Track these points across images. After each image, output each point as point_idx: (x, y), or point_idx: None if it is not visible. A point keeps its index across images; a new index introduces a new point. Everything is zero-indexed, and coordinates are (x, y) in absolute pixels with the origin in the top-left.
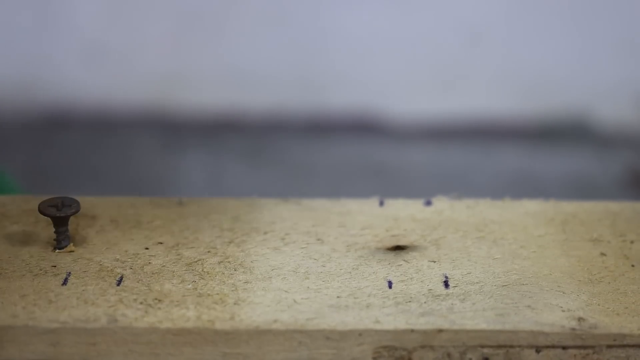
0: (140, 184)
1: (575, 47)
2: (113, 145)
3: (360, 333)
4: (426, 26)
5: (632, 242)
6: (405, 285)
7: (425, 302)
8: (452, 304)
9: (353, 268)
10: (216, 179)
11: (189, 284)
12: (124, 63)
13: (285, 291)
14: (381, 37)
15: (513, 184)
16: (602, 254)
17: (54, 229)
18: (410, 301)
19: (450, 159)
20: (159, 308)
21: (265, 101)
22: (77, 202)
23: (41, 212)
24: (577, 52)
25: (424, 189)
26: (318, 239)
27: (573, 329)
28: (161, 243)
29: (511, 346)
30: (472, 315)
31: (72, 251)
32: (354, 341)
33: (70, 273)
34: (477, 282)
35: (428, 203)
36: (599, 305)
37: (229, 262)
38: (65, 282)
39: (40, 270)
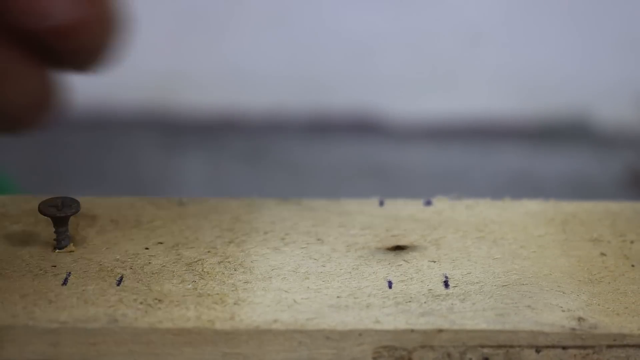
0: (140, 184)
1: (575, 47)
2: (113, 145)
3: (360, 333)
4: (426, 26)
5: (632, 242)
6: (405, 285)
7: (425, 302)
8: (452, 304)
9: (353, 268)
10: (216, 179)
11: (189, 284)
12: (124, 63)
13: (285, 291)
14: (381, 37)
15: (513, 184)
16: (602, 254)
17: (54, 229)
18: (410, 301)
19: (450, 159)
20: (159, 308)
21: (265, 101)
22: (77, 202)
23: (41, 212)
24: (577, 52)
25: (424, 189)
26: (318, 239)
27: (573, 329)
28: (161, 243)
29: (511, 346)
30: (472, 315)
31: (72, 251)
32: (354, 341)
33: (70, 273)
34: (477, 282)
35: (428, 203)
36: (599, 305)
37: (229, 262)
38: (65, 282)
39: (40, 270)
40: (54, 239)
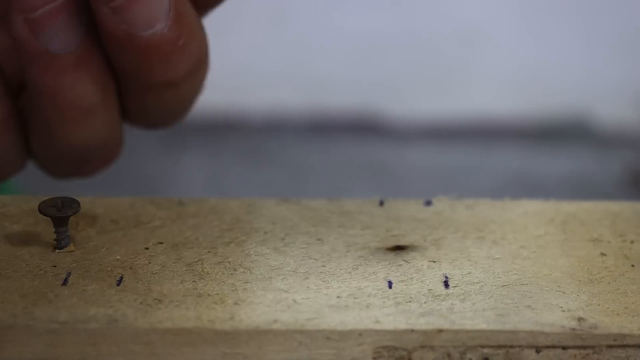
0: (140, 184)
1: (576, 47)
2: None
3: (360, 333)
4: (427, 26)
5: (632, 242)
6: (405, 285)
7: (425, 302)
8: (452, 304)
9: (353, 268)
10: (216, 179)
11: (189, 284)
12: None
13: (285, 291)
14: (381, 37)
15: (513, 184)
16: (602, 254)
17: (54, 229)
18: (410, 301)
19: (450, 159)
20: (159, 308)
21: (265, 101)
22: (77, 202)
23: (41, 212)
24: (577, 52)
25: (424, 189)
26: (318, 239)
27: (573, 329)
28: (161, 243)
29: (511, 346)
30: (472, 315)
31: (72, 251)
32: (354, 341)
33: (70, 273)
34: (477, 282)
35: (428, 203)
36: (599, 305)
37: (228, 262)
38: (65, 282)
39: (40, 270)
40: (54, 239)
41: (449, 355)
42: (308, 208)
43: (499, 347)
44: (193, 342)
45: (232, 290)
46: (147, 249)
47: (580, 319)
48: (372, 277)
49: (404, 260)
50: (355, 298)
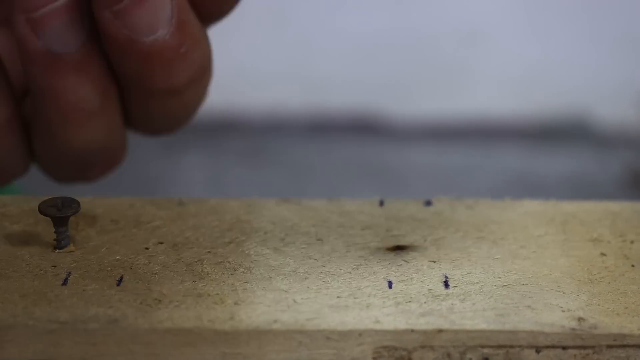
0: (140, 184)
1: (576, 47)
2: None
3: (360, 333)
4: (426, 26)
5: (632, 242)
6: (405, 285)
7: (425, 302)
8: (452, 304)
9: (353, 268)
10: (216, 179)
11: (189, 284)
12: None
13: (285, 291)
14: (381, 37)
15: (513, 184)
16: (602, 254)
17: (54, 229)
18: (410, 301)
19: (450, 159)
20: (159, 308)
21: (265, 101)
22: (77, 202)
23: (41, 212)
24: (577, 52)
25: (424, 189)
26: (318, 239)
27: (573, 329)
28: (161, 243)
29: (511, 346)
30: (472, 315)
31: (72, 251)
32: (354, 341)
33: (70, 273)
34: (477, 282)
35: (428, 203)
36: (599, 305)
37: (228, 262)
38: (65, 282)
39: (40, 270)
40: (54, 239)
41: (449, 355)
42: (308, 208)
43: (499, 347)
44: (193, 342)
45: (232, 290)
46: (147, 249)
47: (580, 319)
48: (372, 277)
49: (404, 260)
50: (355, 298)
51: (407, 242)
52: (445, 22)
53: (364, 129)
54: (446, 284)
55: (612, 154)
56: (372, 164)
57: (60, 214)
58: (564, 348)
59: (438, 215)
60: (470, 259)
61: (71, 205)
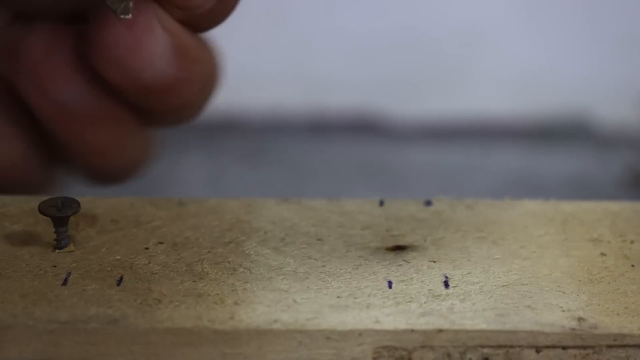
0: (140, 184)
1: (576, 47)
2: None
3: (360, 333)
4: (427, 26)
5: (632, 242)
6: (405, 285)
7: (425, 302)
8: (452, 304)
9: (353, 268)
10: (216, 179)
11: (189, 284)
12: None
13: (285, 291)
14: (381, 37)
15: (513, 184)
16: (602, 254)
17: (54, 229)
18: (410, 301)
19: (450, 159)
20: (159, 308)
21: (265, 101)
22: (77, 202)
23: (41, 212)
24: (577, 52)
25: (424, 189)
26: (318, 239)
27: (573, 329)
28: (161, 243)
29: (511, 346)
30: (472, 315)
31: (72, 251)
32: (354, 341)
33: (70, 273)
34: (477, 282)
35: (428, 203)
36: (599, 305)
37: (228, 262)
38: (65, 282)
39: (40, 270)
40: (54, 239)
41: (449, 355)
42: (308, 208)
43: (499, 347)
44: (193, 342)
45: (232, 290)
46: (147, 249)
47: (580, 319)
48: (372, 277)
49: (404, 260)
50: (355, 298)
51: (407, 242)
52: (446, 22)
53: (364, 129)
54: (446, 284)
55: (612, 154)
56: (372, 164)
57: (60, 214)
58: (564, 348)
59: (438, 215)
60: (470, 259)
61: (71, 205)
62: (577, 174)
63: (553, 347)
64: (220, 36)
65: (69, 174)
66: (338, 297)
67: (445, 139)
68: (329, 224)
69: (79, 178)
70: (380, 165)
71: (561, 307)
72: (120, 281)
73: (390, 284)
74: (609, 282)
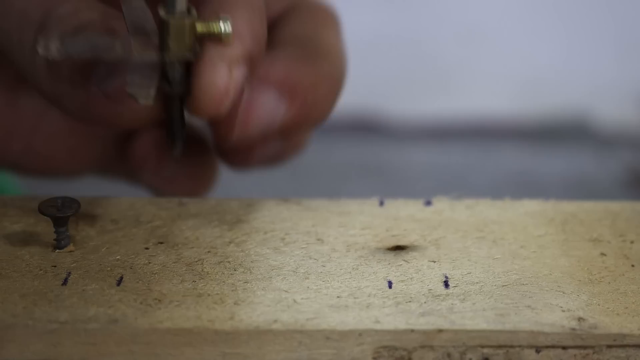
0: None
1: (575, 47)
2: None
3: (360, 333)
4: (426, 26)
5: (632, 242)
6: (405, 285)
7: (425, 302)
8: (452, 304)
9: (353, 268)
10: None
11: (189, 284)
12: None
13: (285, 291)
14: (381, 37)
15: (513, 184)
16: (602, 254)
17: (54, 229)
18: (410, 301)
19: (450, 159)
20: (159, 308)
21: None
22: (77, 202)
23: (41, 212)
24: (577, 52)
25: (424, 189)
26: (318, 239)
27: (573, 329)
28: (161, 243)
29: (511, 346)
30: (472, 315)
31: (72, 251)
32: (354, 341)
33: (70, 273)
34: (477, 282)
35: (428, 203)
36: (599, 305)
37: (228, 262)
38: (65, 282)
39: (40, 270)
40: (54, 239)
41: (449, 355)
42: (308, 208)
43: (499, 347)
44: (193, 342)
45: (232, 290)
46: (147, 249)
47: (580, 319)
48: (372, 277)
49: (404, 260)
50: (355, 298)
51: (407, 242)
52: (445, 22)
53: (364, 129)
54: (446, 284)
55: (612, 154)
56: (372, 164)
57: (60, 214)
58: (564, 348)
59: (438, 215)
60: (470, 259)
61: (71, 205)
62: (577, 174)
63: (553, 347)
64: None
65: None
66: (338, 297)
67: (445, 139)
68: (329, 224)
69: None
70: (380, 165)
71: (561, 307)
72: (120, 281)
73: (390, 284)
74: (609, 282)
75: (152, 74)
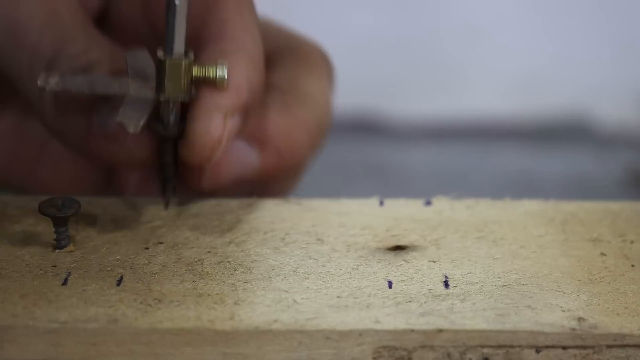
0: None
1: (575, 47)
2: None
3: (360, 333)
4: (426, 26)
5: (632, 242)
6: (405, 285)
7: (425, 302)
8: (452, 304)
9: (353, 268)
10: None
11: (189, 284)
12: None
13: (285, 291)
14: (381, 37)
15: (513, 184)
16: (602, 254)
17: (54, 229)
18: (410, 301)
19: (450, 159)
20: (159, 308)
21: None
22: (77, 202)
23: (41, 212)
24: (577, 52)
25: (424, 189)
26: (318, 239)
27: (573, 329)
28: (161, 243)
29: (511, 346)
30: (472, 315)
31: (72, 251)
32: (354, 341)
33: (70, 273)
34: (477, 282)
35: (428, 203)
36: (599, 305)
37: (228, 262)
38: (65, 282)
39: (40, 270)
40: (54, 239)
41: (449, 355)
42: (308, 208)
43: (499, 347)
44: (193, 342)
45: (232, 290)
46: (147, 249)
47: (580, 319)
48: (372, 277)
49: (404, 260)
50: (355, 298)
51: (407, 242)
52: (445, 22)
53: (364, 129)
54: (446, 284)
55: (612, 154)
56: (372, 164)
57: (60, 214)
58: (564, 348)
59: (438, 215)
60: (470, 259)
61: (71, 205)
62: (577, 174)
63: (553, 347)
64: None
65: None
66: (338, 297)
67: (445, 139)
68: (329, 224)
69: None
70: (380, 165)
71: (561, 307)
72: (120, 281)
73: (390, 284)
74: (609, 282)
75: (145, 106)
